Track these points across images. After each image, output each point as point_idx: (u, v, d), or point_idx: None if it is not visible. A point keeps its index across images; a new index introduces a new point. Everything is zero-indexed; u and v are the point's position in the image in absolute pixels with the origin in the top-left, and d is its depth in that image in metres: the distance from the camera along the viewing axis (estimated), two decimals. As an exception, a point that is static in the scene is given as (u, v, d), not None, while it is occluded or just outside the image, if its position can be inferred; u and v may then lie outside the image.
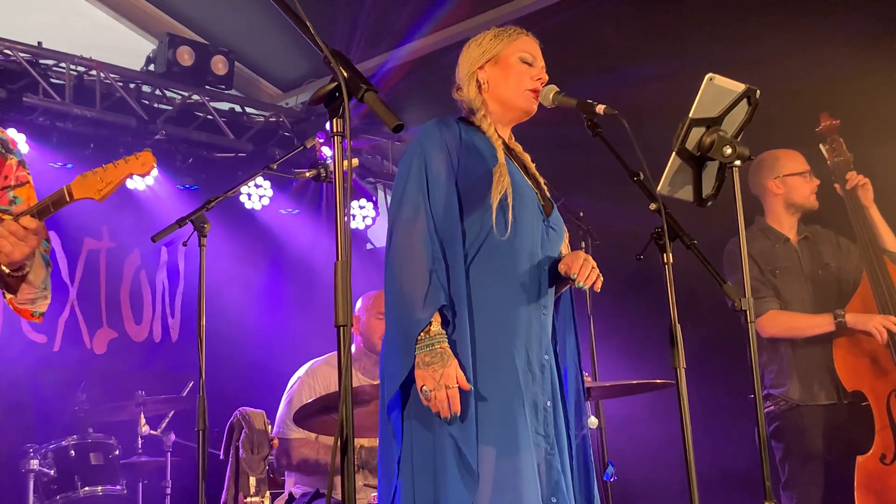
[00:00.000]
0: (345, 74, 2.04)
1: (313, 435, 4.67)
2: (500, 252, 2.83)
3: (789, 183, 4.64)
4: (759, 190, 4.70)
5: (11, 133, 2.98)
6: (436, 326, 2.68)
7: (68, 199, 2.66)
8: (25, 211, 2.61)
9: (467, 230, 2.84)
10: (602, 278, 2.86)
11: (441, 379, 2.63)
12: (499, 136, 2.96)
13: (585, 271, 2.81)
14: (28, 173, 2.89)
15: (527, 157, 3.10)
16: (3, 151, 2.89)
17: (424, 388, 2.65)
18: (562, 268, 2.87)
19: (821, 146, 4.66)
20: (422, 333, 2.67)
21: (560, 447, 2.83)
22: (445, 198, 2.81)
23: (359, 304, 4.98)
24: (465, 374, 2.68)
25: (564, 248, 3.04)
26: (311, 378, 4.82)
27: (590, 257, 2.86)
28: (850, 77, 5.05)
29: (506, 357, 2.78)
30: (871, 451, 4.31)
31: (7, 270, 2.66)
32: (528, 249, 2.87)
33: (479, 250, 2.83)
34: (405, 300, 2.71)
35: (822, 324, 4.46)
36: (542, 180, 3.08)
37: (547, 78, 3.00)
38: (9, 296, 2.78)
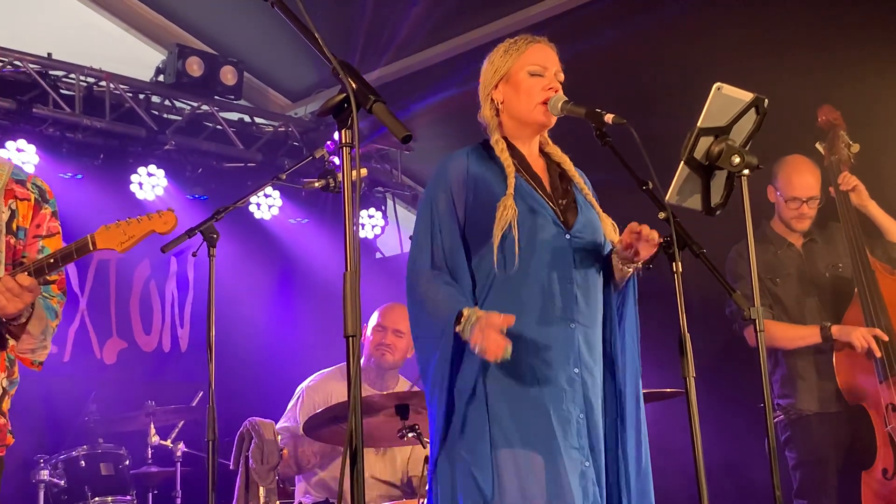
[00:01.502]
0: (353, 85, 2.04)
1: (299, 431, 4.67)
2: (513, 280, 2.84)
3: (779, 200, 4.62)
4: (769, 190, 4.69)
5: (40, 183, 3.11)
6: (466, 312, 2.73)
7: (91, 248, 2.86)
8: (30, 265, 2.81)
9: (482, 262, 2.88)
10: (656, 235, 2.82)
11: (482, 326, 2.66)
12: (515, 155, 2.98)
13: (645, 251, 2.81)
14: (59, 224, 3.09)
15: (565, 160, 3.10)
16: (40, 200, 3.04)
17: (476, 346, 2.67)
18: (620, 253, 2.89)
19: (817, 145, 4.60)
20: (458, 326, 2.72)
21: (596, 458, 2.83)
22: (450, 240, 2.90)
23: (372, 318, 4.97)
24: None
25: (612, 234, 3.02)
26: (320, 388, 4.83)
27: (644, 229, 2.81)
28: (853, 69, 5.01)
29: (527, 379, 2.80)
30: (873, 466, 4.28)
31: (4, 320, 2.85)
32: (545, 272, 2.87)
33: (494, 282, 2.86)
34: (431, 323, 2.80)
35: (808, 335, 4.43)
36: (580, 181, 3.08)
37: (559, 86, 3.00)
38: (11, 342, 2.97)
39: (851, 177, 4.50)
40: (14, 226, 2.98)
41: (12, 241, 2.97)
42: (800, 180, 4.56)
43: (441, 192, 2.94)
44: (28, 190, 3.02)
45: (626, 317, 3.02)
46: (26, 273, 2.79)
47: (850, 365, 4.37)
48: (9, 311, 2.79)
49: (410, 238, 3.02)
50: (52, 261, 2.84)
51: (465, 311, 2.72)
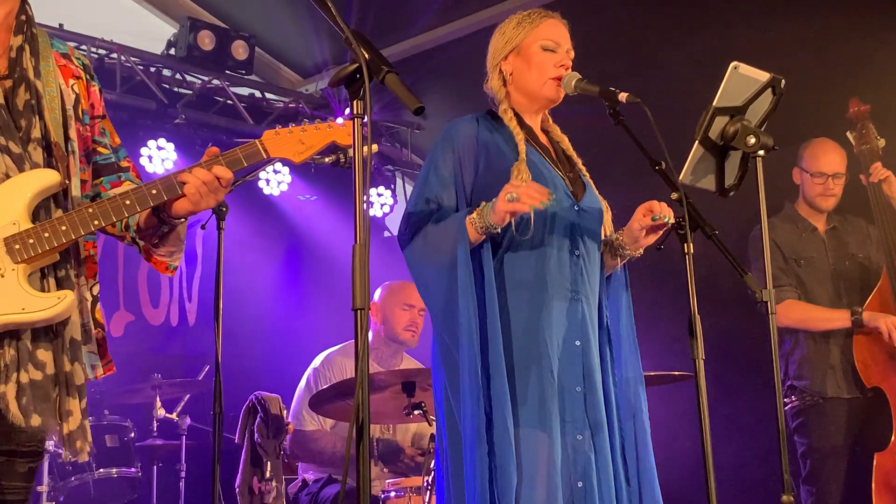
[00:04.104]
0: (366, 56, 2.02)
1: (328, 425, 4.67)
2: (523, 247, 2.82)
3: (805, 178, 4.64)
4: (794, 172, 4.69)
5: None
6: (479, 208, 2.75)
7: (264, 156, 2.49)
8: (214, 160, 2.41)
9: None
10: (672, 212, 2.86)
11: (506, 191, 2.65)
12: (523, 126, 2.96)
13: (666, 210, 2.83)
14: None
15: (564, 139, 3.09)
16: (89, 78, 2.54)
17: (507, 195, 2.64)
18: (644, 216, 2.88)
19: (848, 134, 4.63)
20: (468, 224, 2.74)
21: (596, 431, 2.81)
22: (448, 203, 2.87)
23: (378, 292, 4.97)
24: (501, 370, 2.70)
25: (608, 224, 3.04)
26: (326, 368, 4.82)
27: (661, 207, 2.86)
28: (881, 61, 4.98)
29: (535, 350, 2.78)
30: (888, 448, 4.28)
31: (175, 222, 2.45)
32: (555, 241, 2.85)
33: (506, 248, 2.84)
34: (435, 250, 2.77)
35: (838, 318, 4.43)
36: (578, 161, 3.06)
37: (570, 63, 2.98)
38: (143, 243, 2.52)
39: (883, 169, 4.50)
40: (80, 111, 2.48)
41: (80, 127, 2.47)
42: (825, 157, 4.61)
43: (448, 154, 2.90)
44: (77, 66, 2.53)
45: (621, 300, 3.02)
46: (222, 166, 2.38)
47: (871, 346, 4.38)
48: (200, 209, 2.37)
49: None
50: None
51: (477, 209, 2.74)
